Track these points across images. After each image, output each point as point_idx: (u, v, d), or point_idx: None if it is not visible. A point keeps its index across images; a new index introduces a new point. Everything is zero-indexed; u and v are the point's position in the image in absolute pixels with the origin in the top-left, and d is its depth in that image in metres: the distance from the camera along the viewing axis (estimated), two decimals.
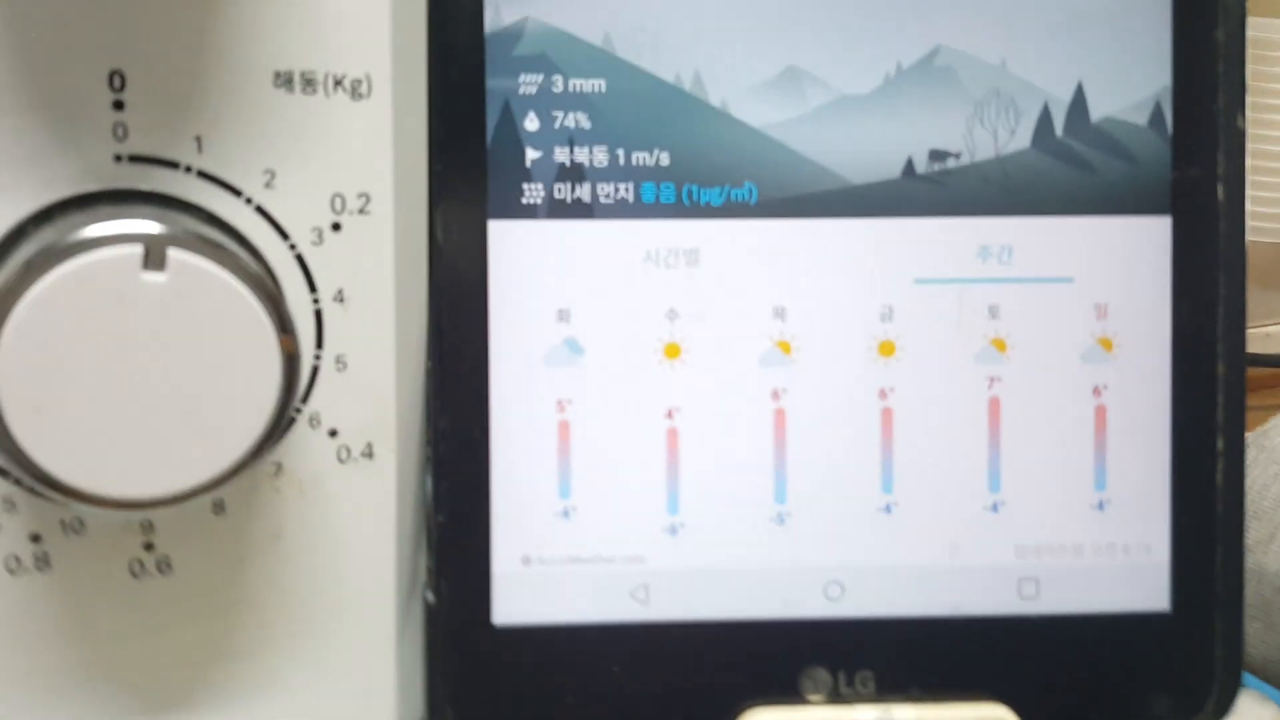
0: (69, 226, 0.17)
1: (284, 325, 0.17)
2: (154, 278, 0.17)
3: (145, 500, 0.17)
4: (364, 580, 0.21)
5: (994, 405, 0.22)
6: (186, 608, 0.20)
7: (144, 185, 0.18)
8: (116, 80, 0.18)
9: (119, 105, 0.18)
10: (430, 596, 0.22)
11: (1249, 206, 0.23)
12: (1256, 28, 0.23)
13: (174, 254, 0.17)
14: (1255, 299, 0.24)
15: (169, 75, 0.18)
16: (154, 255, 0.17)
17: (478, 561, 0.22)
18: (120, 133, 0.18)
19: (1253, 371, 0.24)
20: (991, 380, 0.22)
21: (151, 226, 0.17)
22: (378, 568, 0.21)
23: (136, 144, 0.18)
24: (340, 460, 0.20)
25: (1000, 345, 0.22)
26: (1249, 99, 0.23)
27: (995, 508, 0.22)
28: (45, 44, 0.17)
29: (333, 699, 0.21)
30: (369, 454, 0.20)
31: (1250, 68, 0.23)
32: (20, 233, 0.17)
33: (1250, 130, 0.23)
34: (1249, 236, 0.23)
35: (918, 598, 0.22)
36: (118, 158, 0.18)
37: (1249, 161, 0.23)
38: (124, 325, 0.17)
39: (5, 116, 0.17)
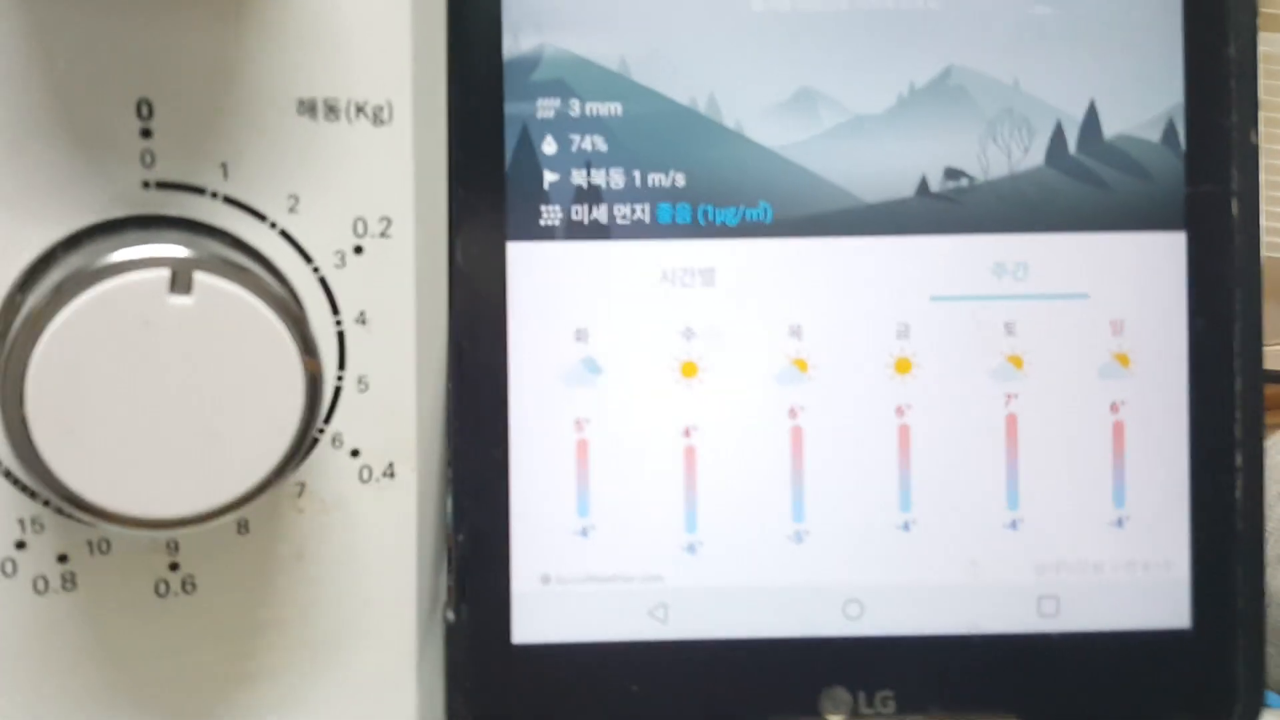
0: (97, 251, 0.17)
1: (307, 347, 0.18)
2: (181, 301, 0.17)
3: (171, 520, 0.17)
4: (385, 599, 0.21)
5: (1011, 422, 0.22)
6: (210, 627, 0.20)
7: (171, 211, 0.18)
8: (144, 109, 0.18)
9: (147, 133, 0.18)
10: (450, 615, 0.22)
11: (1264, 222, 0.23)
12: (1268, 43, 0.23)
13: (200, 277, 0.17)
14: (1273, 315, 0.24)
15: (195, 103, 0.18)
16: (181, 279, 0.17)
17: (497, 580, 0.22)
18: (148, 160, 0.18)
19: (1270, 389, 0.24)
20: (1009, 397, 0.22)
21: (178, 251, 0.17)
22: (399, 587, 0.21)
23: (164, 170, 0.18)
24: (362, 480, 0.20)
25: (1017, 362, 0.22)
26: (1262, 114, 0.23)
27: (1014, 525, 0.22)
28: (74, 74, 0.18)
29: (354, 717, 0.21)
30: (390, 474, 0.20)
31: (1262, 83, 0.23)
32: (50, 258, 0.18)
33: (1264, 145, 0.23)
34: (1265, 252, 0.23)
35: (937, 616, 0.22)
36: (145, 184, 0.18)
37: (1263, 177, 0.23)
38: (151, 348, 0.17)
39: (36, 144, 0.18)
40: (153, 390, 0.17)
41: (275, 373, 0.18)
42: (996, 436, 0.22)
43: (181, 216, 0.18)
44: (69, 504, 0.17)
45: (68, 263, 0.17)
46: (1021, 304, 0.22)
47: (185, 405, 0.17)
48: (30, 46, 0.17)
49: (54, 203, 0.18)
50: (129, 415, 0.17)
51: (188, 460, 0.17)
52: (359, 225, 0.20)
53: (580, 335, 0.22)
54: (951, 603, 0.22)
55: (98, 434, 0.17)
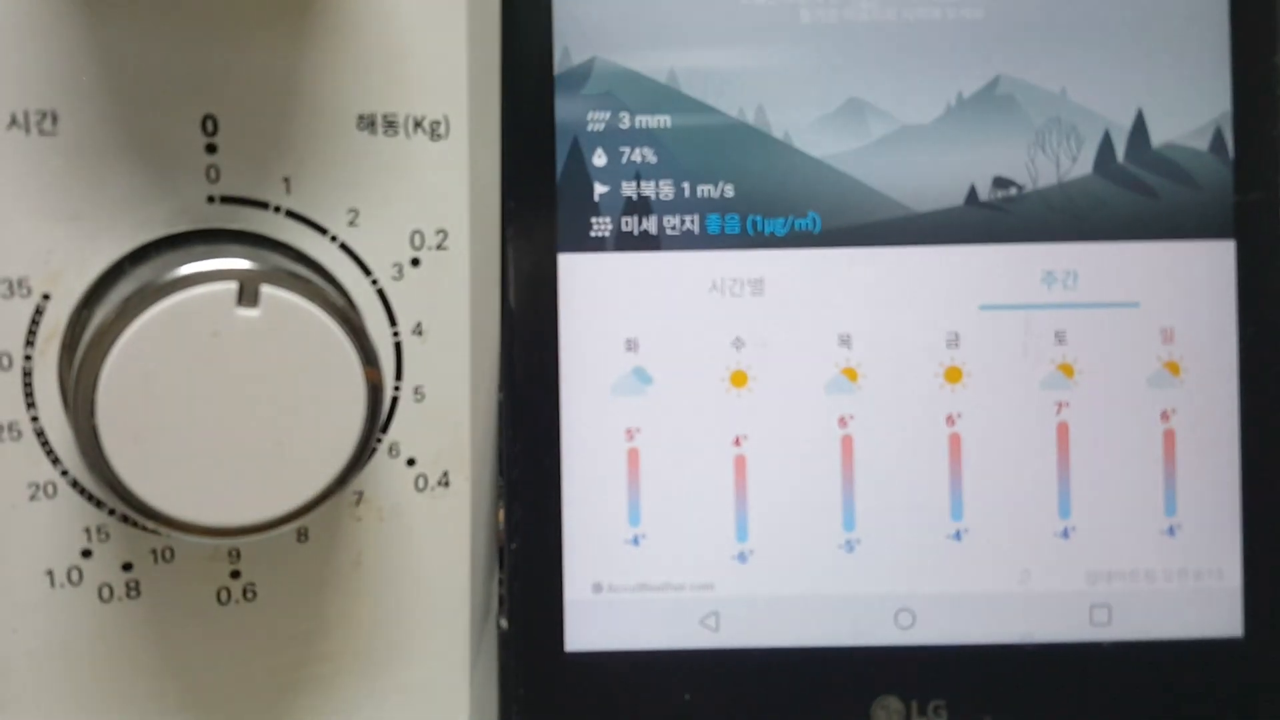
0: (165, 265, 0.18)
1: (368, 358, 0.18)
2: (247, 313, 0.17)
3: (236, 528, 0.18)
4: (440, 607, 0.21)
5: (1062, 430, 0.22)
6: (270, 634, 0.20)
7: (235, 225, 0.19)
8: (209, 124, 0.18)
9: (211, 149, 0.18)
10: (503, 623, 0.22)
11: None
12: None
13: (266, 290, 0.17)
14: None
15: (259, 119, 0.19)
16: (248, 291, 0.17)
17: (550, 588, 0.22)
18: (213, 175, 0.19)
19: None
20: (1059, 405, 0.22)
21: (244, 264, 0.17)
22: (453, 594, 0.21)
23: (228, 185, 0.19)
24: (418, 489, 0.21)
25: (1068, 370, 0.22)
26: None
27: (1066, 534, 0.22)
28: (142, 90, 0.18)
29: None
30: (445, 482, 0.21)
31: None
32: (118, 271, 0.18)
33: None
34: None
35: (989, 625, 0.22)
36: (210, 199, 0.19)
37: None
38: (218, 359, 0.17)
39: (104, 160, 0.18)
40: (219, 401, 0.17)
41: (337, 383, 0.18)
42: (1048, 445, 0.22)
43: (245, 230, 0.19)
44: (137, 512, 0.17)
45: (136, 276, 0.18)
46: (1072, 313, 0.22)
47: (250, 415, 0.17)
48: (99, 64, 0.18)
49: (121, 216, 0.18)
50: (196, 425, 0.17)
51: (252, 469, 0.18)
52: (416, 238, 0.20)
53: (631, 345, 0.22)
54: (1003, 612, 0.22)
55: (165, 443, 0.17)
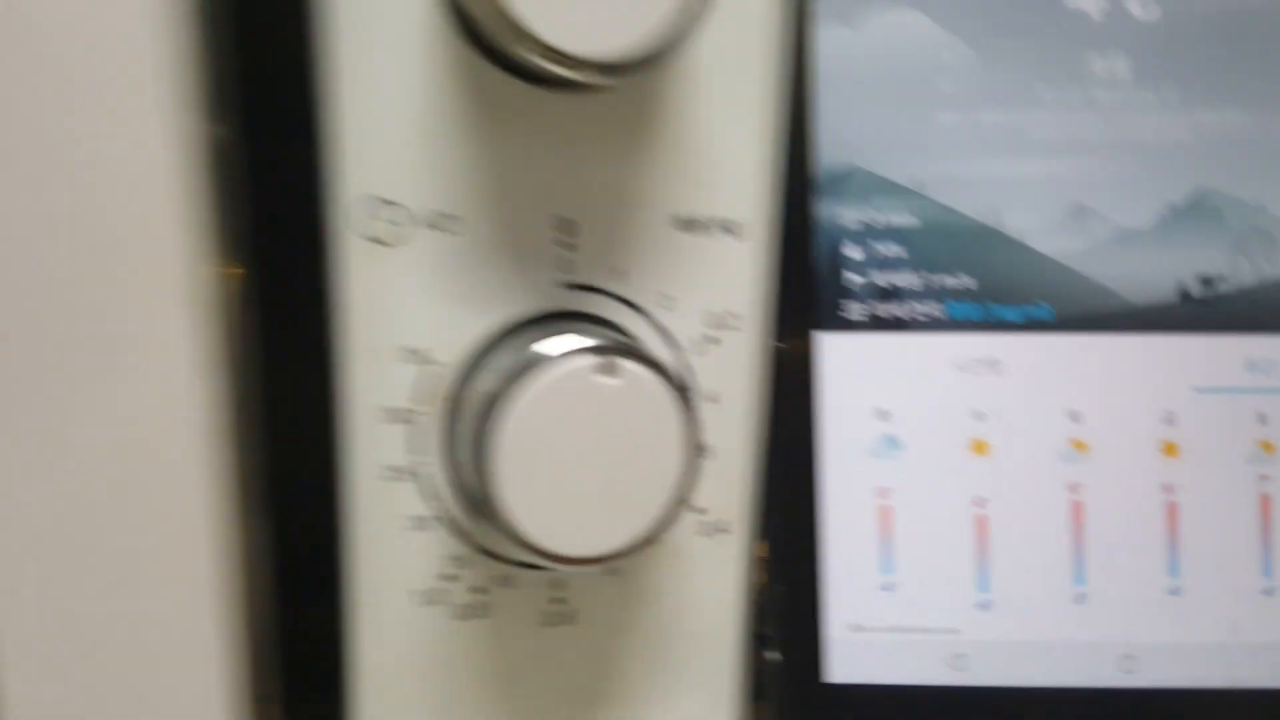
0: (531, 339, 0.21)
1: (693, 422, 0.21)
2: (610, 381, 0.21)
3: (585, 558, 0.21)
4: (714, 638, 0.24)
5: (1265, 501, 0.25)
6: (583, 655, 0.23)
7: (582, 307, 0.22)
8: (565, 224, 0.22)
9: (567, 244, 0.22)
10: (771, 655, 0.25)
11: None
12: None
13: (623, 363, 0.21)
14: None
15: (601, 219, 0.22)
16: (610, 364, 0.21)
17: (812, 626, 0.25)
18: (566, 265, 0.22)
19: None
20: (1262, 478, 0.25)
21: (603, 341, 0.21)
22: (727, 628, 0.24)
23: (578, 274, 0.22)
24: (705, 535, 0.24)
25: (1268, 447, 0.25)
26: None
27: (1270, 592, 0.25)
28: (518, 193, 0.22)
29: None
30: (727, 529, 0.24)
31: None
32: (495, 343, 0.22)
33: None
34: None
35: (1204, 671, 0.25)
36: (565, 285, 0.22)
37: None
38: (584, 421, 0.21)
39: (487, 252, 0.22)
40: (583, 454, 0.21)
41: (670, 442, 0.21)
42: (1253, 513, 0.25)
43: (588, 312, 0.22)
44: (514, 544, 0.21)
45: (511, 348, 0.21)
46: (1271, 397, 0.25)
47: (604, 467, 0.21)
48: (492, 171, 0.22)
49: (497, 298, 0.22)
50: (565, 473, 0.21)
51: (603, 511, 0.21)
52: (715, 320, 0.23)
53: (882, 415, 0.25)
54: (1216, 659, 0.25)
55: (544, 488, 0.21)
